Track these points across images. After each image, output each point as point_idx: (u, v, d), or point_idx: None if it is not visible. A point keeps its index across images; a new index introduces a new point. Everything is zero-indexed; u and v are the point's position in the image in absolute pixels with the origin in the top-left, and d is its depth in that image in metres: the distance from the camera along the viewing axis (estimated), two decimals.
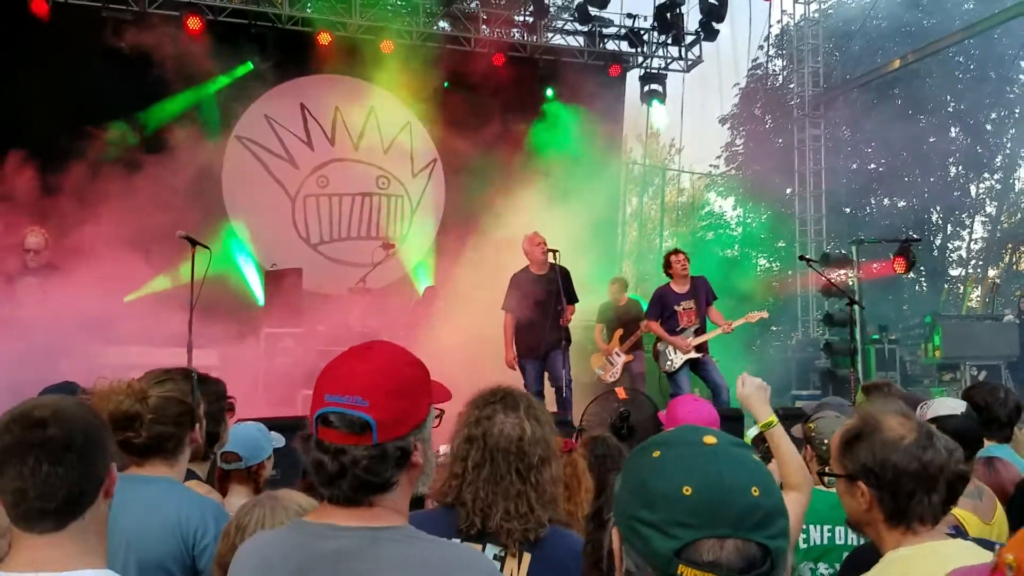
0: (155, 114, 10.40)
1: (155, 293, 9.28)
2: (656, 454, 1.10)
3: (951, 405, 2.94)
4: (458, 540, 2.09)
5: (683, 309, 8.01)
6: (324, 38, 11.26)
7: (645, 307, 8.73)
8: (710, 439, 1.09)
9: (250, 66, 11.07)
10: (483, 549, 2.09)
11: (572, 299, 7.91)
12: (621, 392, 4.63)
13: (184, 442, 2.47)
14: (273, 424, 3.55)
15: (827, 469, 2.15)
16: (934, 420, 2.69)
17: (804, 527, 2.92)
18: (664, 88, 13.46)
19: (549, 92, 12.48)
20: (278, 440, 3.34)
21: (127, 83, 9.96)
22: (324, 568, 1.50)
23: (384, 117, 12.39)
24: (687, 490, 1.03)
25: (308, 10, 11.76)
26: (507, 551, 2.10)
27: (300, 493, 2.24)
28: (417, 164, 12.66)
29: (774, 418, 2.88)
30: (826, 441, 3.09)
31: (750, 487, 1.03)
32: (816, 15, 16.46)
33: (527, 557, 2.12)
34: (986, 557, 1.75)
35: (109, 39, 9.98)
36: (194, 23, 10.41)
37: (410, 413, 1.56)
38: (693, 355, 7.92)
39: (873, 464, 1.92)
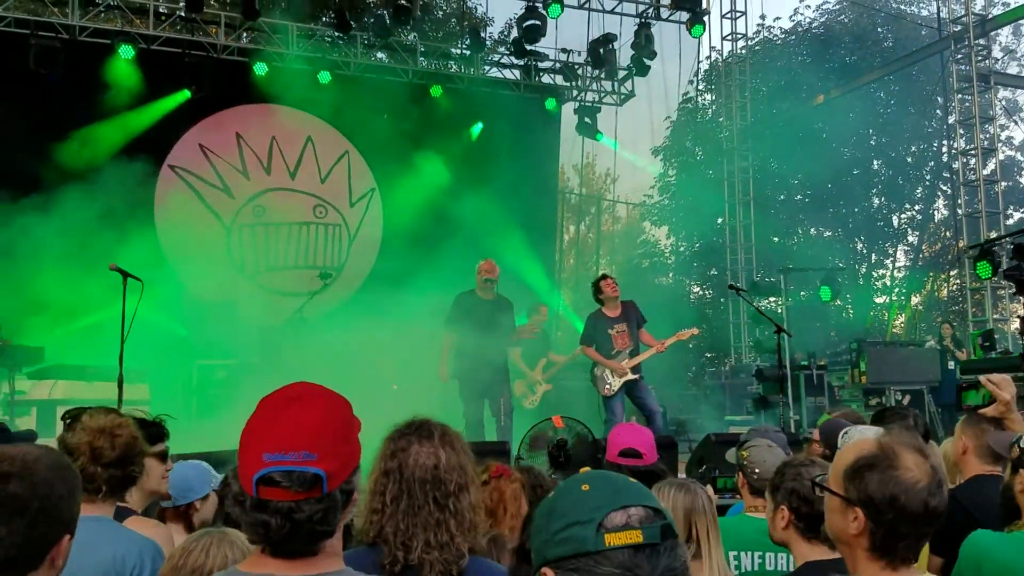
0: (84, 141, 10.21)
1: (86, 326, 9.06)
2: (551, 495, 1.28)
3: (870, 434, 3.02)
4: None
5: (616, 332, 8.15)
6: (261, 68, 11.24)
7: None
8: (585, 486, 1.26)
9: (187, 94, 10.97)
10: None
11: (515, 327, 8.03)
12: (558, 421, 4.70)
13: (126, 486, 2.48)
14: (207, 458, 3.51)
15: (821, 479, 2.08)
16: None
17: (735, 554, 2.93)
18: (595, 121, 13.75)
19: (482, 124, 12.61)
20: (216, 479, 3.28)
21: (55, 111, 9.78)
22: None
23: (321, 147, 12.37)
24: (585, 487, 1.21)
25: (244, 40, 11.73)
26: None
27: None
28: (355, 193, 12.65)
29: None
30: (757, 470, 3.16)
31: (627, 478, 1.24)
32: (743, 51, 17.01)
33: None
34: None
35: (38, 66, 9.81)
36: (126, 51, 10.29)
37: (352, 455, 1.54)
38: (630, 376, 8.05)
39: (880, 499, 1.85)
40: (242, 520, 1.49)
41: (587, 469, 1.36)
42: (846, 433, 3.10)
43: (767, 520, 2.60)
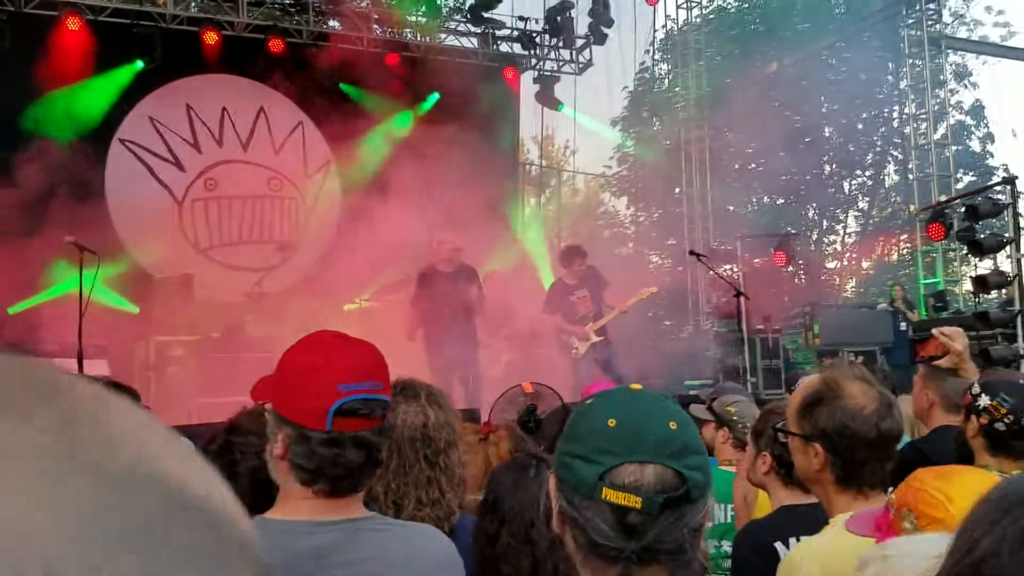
0: (33, 116, 9.87)
1: (42, 303, 8.85)
2: (589, 402, 1.22)
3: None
4: None
5: (577, 298, 8.23)
6: (211, 37, 10.95)
7: None
8: (635, 385, 1.23)
9: (139, 65, 10.66)
10: None
11: (481, 295, 8.05)
12: (527, 386, 4.70)
13: None
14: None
15: (783, 425, 2.16)
16: None
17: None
18: (553, 91, 13.70)
19: (438, 94, 12.46)
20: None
21: (5, 84, 9.47)
22: (309, 566, 1.47)
23: (274, 118, 12.13)
24: (611, 422, 1.13)
25: (193, 8, 11.43)
26: None
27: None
28: (311, 166, 12.45)
29: None
30: (748, 424, 3.24)
31: (668, 421, 1.15)
32: (698, 20, 17.04)
33: None
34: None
35: None
36: (73, 23, 9.96)
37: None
38: (595, 339, 8.14)
39: (832, 430, 1.93)
40: (299, 461, 1.50)
41: (639, 387, 1.24)
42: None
43: (746, 465, 2.67)
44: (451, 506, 2.18)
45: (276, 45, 11.29)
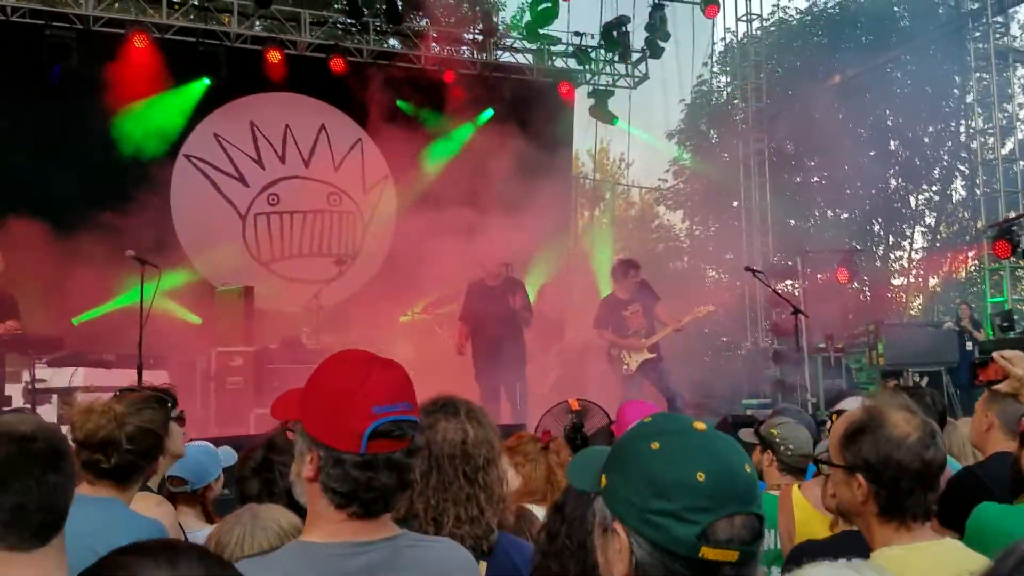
0: (100, 132, 10.22)
1: (105, 314, 9.14)
2: (655, 446, 1.14)
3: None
4: None
5: (630, 313, 8.15)
6: (274, 56, 11.23)
7: None
8: (700, 425, 1.17)
9: (206, 82, 10.99)
10: None
11: (529, 308, 8.03)
12: (574, 403, 4.69)
13: (146, 472, 2.46)
14: (229, 443, 3.52)
15: (826, 456, 2.12)
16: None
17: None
18: (608, 105, 13.67)
19: (493, 110, 12.54)
20: (228, 457, 3.28)
21: (70, 102, 9.82)
22: None
23: (335, 134, 12.39)
24: (701, 476, 1.09)
25: (257, 28, 11.73)
26: None
27: (280, 509, 2.21)
28: (368, 181, 12.66)
29: None
30: (792, 446, 3.17)
31: (743, 463, 1.13)
32: (758, 32, 16.85)
33: (483, 565, 2.16)
34: (975, 557, 1.82)
35: (51, 58, 9.84)
36: (140, 41, 10.29)
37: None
38: (647, 355, 8.04)
39: (875, 460, 1.89)
40: (332, 485, 1.50)
41: (703, 426, 1.17)
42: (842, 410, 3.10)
43: (820, 488, 2.61)
44: (490, 524, 2.16)
45: (337, 64, 11.52)
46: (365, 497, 1.49)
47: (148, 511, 2.48)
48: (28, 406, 6.55)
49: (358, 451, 1.45)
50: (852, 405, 3.06)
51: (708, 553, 1.07)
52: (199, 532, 2.99)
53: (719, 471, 1.10)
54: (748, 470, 1.12)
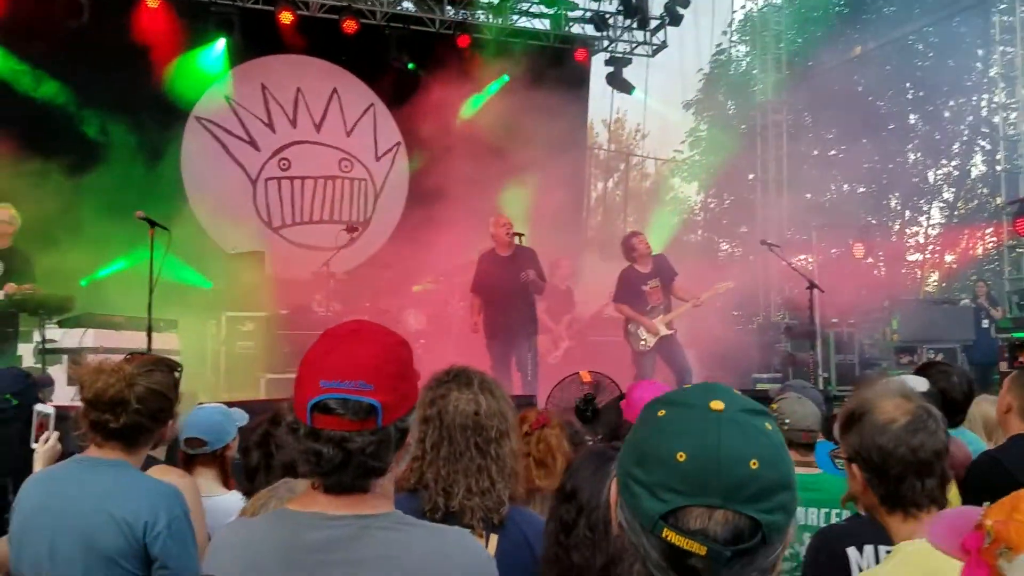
0: (110, 91, 10.12)
1: (113, 275, 9.12)
2: (661, 413, 1.06)
3: (915, 383, 2.93)
4: None
5: (650, 288, 8.06)
6: (286, 17, 11.07)
7: None
8: (717, 404, 1.04)
9: (220, 43, 10.89)
10: None
11: (542, 276, 7.95)
12: (586, 375, 4.63)
13: (154, 435, 2.45)
14: (241, 406, 3.49)
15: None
16: None
17: (826, 511, 2.92)
18: (621, 73, 13.47)
19: (508, 77, 12.37)
20: (241, 417, 3.27)
21: (84, 62, 9.74)
22: (311, 559, 1.46)
23: (347, 99, 12.26)
24: (681, 456, 0.99)
25: None
26: (473, 531, 2.09)
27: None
28: (381, 147, 12.54)
29: None
30: (788, 420, 3.12)
31: (749, 459, 1.00)
32: (779, 1, 16.56)
33: (493, 538, 2.12)
34: None
35: (65, 17, 9.75)
36: (153, 1, 10.18)
37: (410, 393, 1.53)
38: (665, 331, 7.96)
39: (861, 447, 1.90)
40: (294, 450, 1.49)
41: (720, 406, 1.04)
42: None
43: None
44: (501, 497, 2.13)
45: (350, 26, 11.36)
46: (317, 468, 1.46)
47: (168, 479, 2.49)
48: (39, 366, 6.56)
49: (306, 422, 1.45)
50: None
51: (671, 536, 0.98)
52: (218, 498, 2.99)
53: (705, 456, 0.99)
54: (754, 466, 0.98)
